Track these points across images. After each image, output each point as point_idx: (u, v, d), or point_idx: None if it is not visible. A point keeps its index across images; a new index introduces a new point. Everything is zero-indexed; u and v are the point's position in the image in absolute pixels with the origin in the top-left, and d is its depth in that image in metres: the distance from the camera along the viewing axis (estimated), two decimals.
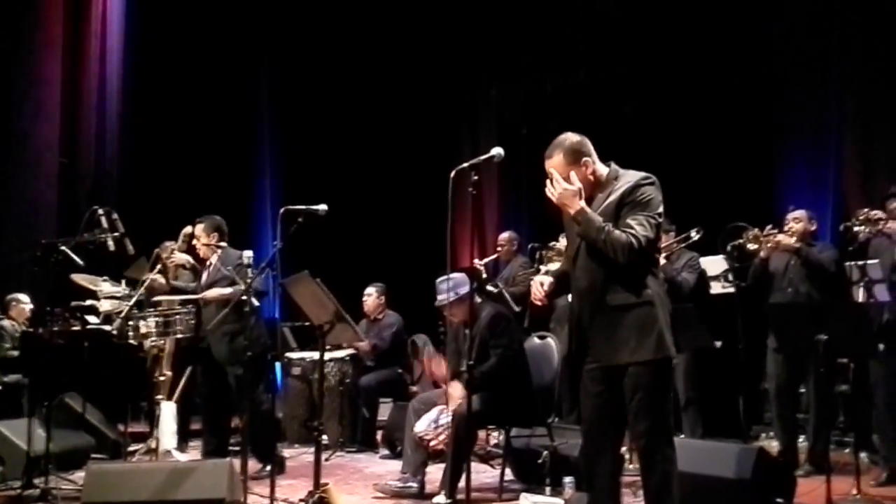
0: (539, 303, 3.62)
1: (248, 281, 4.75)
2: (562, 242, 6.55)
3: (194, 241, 5.75)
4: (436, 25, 9.99)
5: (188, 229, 5.81)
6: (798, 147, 7.58)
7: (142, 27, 9.41)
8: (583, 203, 3.37)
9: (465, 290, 5.01)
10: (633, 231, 3.30)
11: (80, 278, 6.42)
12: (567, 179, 3.42)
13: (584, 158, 3.46)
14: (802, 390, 5.79)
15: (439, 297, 5.12)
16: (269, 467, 5.03)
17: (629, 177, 3.45)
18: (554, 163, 3.46)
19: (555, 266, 6.27)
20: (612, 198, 3.42)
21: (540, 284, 3.55)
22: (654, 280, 3.44)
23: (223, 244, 5.73)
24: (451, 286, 4.91)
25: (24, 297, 7.51)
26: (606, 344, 3.39)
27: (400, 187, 9.75)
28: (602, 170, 3.51)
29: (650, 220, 3.35)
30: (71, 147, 9.30)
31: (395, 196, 9.79)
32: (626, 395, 3.38)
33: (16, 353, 7.16)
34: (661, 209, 3.41)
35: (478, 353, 4.79)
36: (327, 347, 4.89)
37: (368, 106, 10.12)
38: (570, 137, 3.50)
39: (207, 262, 5.80)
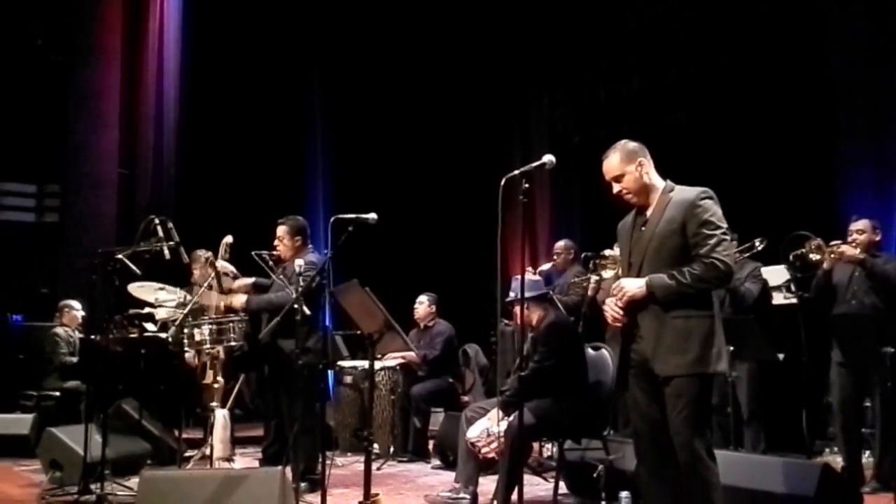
0: (619, 323, 3.55)
1: (299, 290, 4.74)
2: (616, 251, 6.45)
3: (275, 242, 5.69)
4: (488, 34, 9.97)
5: (228, 239, 5.80)
6: (862, 154, 7.34)
7: (198, 40, 9.57)
8: (642, 282, 3.36)
9: (537, 290, 4.99)
10: (714, 257, 3.31)
11: (137, 291, 6.52)
12: (620, 178, 3.51)
13: (640, 159, 3.51)
14: (867, 404, 5.60)
15: (510, 294, 5.11)
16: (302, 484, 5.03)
17: (686, 192, 3.47)
18: (610, 162, 3.54)
19: (609, 274, 6.16)
20: (669, 213, 3.42)
21: (615, 304, 3.48)
22: (714, 291, 3.43)
23: (308, 247, 5.69)
24: (523, 285, 4.87)
25: (76, 304, 7.65)
26: (668, 354, 3.34)
27: (451, 196, 9.74)
28: (658, 180, 3.55)
29: (724, 235, 3.37)
30: (130, 158, 9.50)
31: (447, 205, 9.78)
32: (668, 405, 3.34)
33: (73, 359, 7.29)
34: (724, 222, 3.41)
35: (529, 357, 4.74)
36: (378, 356, 4.88)
37: (420, 114, 10.14)
38: (629, 142, 3.58)
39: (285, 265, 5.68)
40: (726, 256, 3.34)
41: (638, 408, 3.47)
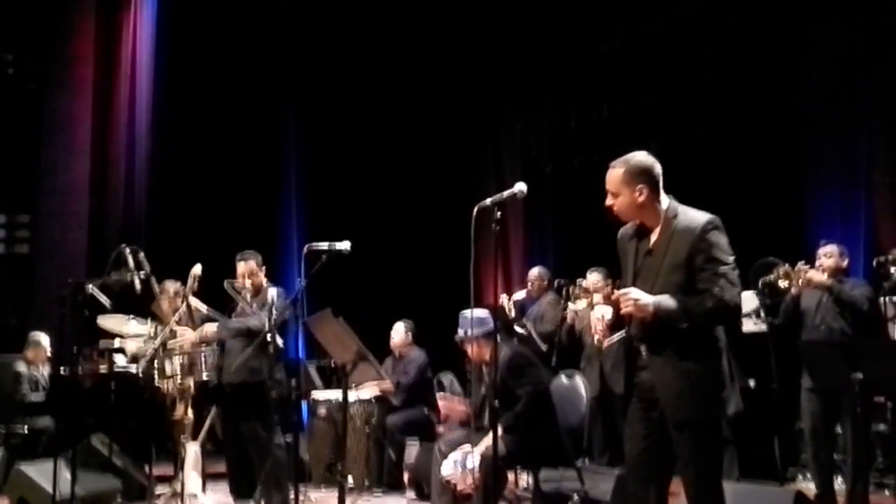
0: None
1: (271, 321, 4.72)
2: (590, 278, 6.48)
3: (251, 278, 5.60)
4: (459, 62, 10.03)
5: (197, 269, 5.74)
6: (828, 181, 7.46)
7: (170, 70, 9.55)
8: (650, 299, 3.21)
9: (485, 327, 4.93)
10: (723, 295, 3.19)
11: (106, 322, 6.44)
12: (616, 194, 3.38)
13: (640, 185, 3.35)
14: (839, 430, 5.64)
15: (459, 332, 5.06)
16: None
17: (691, 220, 3.32)
18: (612, 175, 3.40)
19: (582, 304, 6.18)
20: (675, 245, 3.29)
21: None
22: (720, 329, 3.36)
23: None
24: (471, 321, 4.85)
25: (44, 339, 7.40)
26: (680, 399, 3.24)
27: (424, 224, 9.74)
28: (662, 202, 3.39)
29: (733, 271, 3.26)
30: (101, 188, 9.43)
31: (420, 233, 9.78)
32: (675, 440, 3.26)
33: (34, 397, 7.11)
34: (731, 254, 3.29)
35: (500, 395, 4.69)
36: (352, 387, 4.85)
37: (392, 141, 10.16)
38: (640, 158, 3.42)
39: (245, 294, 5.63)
40: (736, 295, 3.23)
41: (633, 435, 3.38)
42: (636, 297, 3.21)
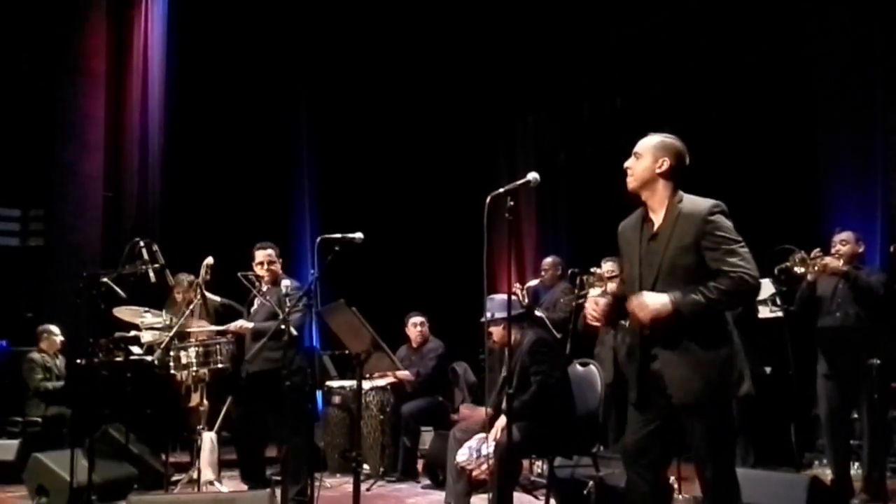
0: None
1: (286, 311, 4.74)
2: (604, 267, 6.47)
3: (269, 266, 5.62)
4: (472, 53, 10.02)
5: (209, 260, 5.76)
6: (845, 168, 7.42)
7: (182, 63, 9.58)
8: (665, 298, 3.17)
9: (512, 311, 4.94)
10: (740, 270, 3.16)
11: (122, 312, 6.48)
12: (638, 157, 3.39)
13: (666, 158, 3.35)
14: (855, 416, 5.62)
15: (486, 314, 5.06)
16: None
17: (695, 204, 3.31)
18: (646, 139, 3.42)
19: (595, 291, 6.18)
20: (680, 229, 3.27)
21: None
22: (729, 313, 3.32)
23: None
24: (497, 305, 4.84)
25: (55, 329, 7.49)
26: (686, 381, 3.20)
27: (438, 214, 9.76)
28: (671, 189, 3.37)
29: (743, 248, 3.22)
30: (115, 181, 9.47)
31: (434, 223, 9.79)
32: (686, 425, 3.23)
33: (53, 384, 7.19)
34: (738, 235, 3.26)
35: (518, 381, 4.69)
36: (367, 376, 4.86)
37: (405, 133, 10.17)
38: (675, 140, 3.43)
39: (262, 287, 5.67)
40: (753, 269, 3.19)
41: (633, 424, 3.37)
42: (649, 303, 3.19)
